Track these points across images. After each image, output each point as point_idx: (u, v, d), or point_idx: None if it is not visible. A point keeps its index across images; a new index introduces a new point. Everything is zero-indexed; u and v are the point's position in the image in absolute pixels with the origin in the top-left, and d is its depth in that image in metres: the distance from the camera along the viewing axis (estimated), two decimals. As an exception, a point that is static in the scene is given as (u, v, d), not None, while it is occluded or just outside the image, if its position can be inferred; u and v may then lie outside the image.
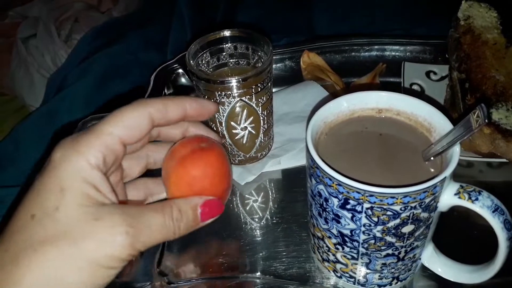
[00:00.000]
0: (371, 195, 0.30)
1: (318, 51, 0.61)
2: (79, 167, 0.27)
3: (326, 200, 0.33)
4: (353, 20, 0.76)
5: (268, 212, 0.47)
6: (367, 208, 0.31)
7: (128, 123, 0.29)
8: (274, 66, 0.63)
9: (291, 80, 0.61)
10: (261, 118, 0.47)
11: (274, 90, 0.60)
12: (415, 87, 0.55)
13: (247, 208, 0.48)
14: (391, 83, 0.58)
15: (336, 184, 0.31)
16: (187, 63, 0.44)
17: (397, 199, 0.29)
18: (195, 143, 0.34)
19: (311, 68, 0.61)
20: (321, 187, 0.33)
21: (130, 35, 0.78)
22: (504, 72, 0.47)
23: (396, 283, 0.38)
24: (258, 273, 0.41)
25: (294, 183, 0.49)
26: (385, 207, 0.30)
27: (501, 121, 0.43)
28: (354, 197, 0.30)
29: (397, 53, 0.61)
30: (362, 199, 0.30)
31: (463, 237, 0.42)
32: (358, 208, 0.31)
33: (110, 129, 0.29)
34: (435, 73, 0.57)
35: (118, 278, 0.38)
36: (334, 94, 0.57)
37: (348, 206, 0.31)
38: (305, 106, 0.55)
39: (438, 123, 0.34)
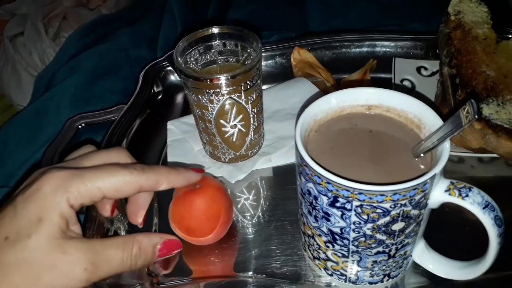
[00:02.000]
0: (360, 193, 0.29)
1: (308, 47, 0.61)
2: (60, 202, 0.31)
3: (316, 198, 0.33)
4: (346, 15, 0.75)
5: (259, 210, 0.47)
6: (356, 206, 0.30)
7: (118, 187, 0.32)
8: (264, 63, 0.63)
9: (282, 77, 0.61)
10: (251, 115, 0.46)
11: (264, 87, 0.59)
12: (406, 83, 0.55)
13: (238, 206, 0.47)
14: (382, 79, 0.58)
15: (325, 182, 0.31)
16: (174, 61, 0.43)
17: (386, 196, 0.29)
18: (193, 184, 0.39)
19: (301, 64, 0.60)
20: (310, 185, 0.32)
21: (120, 32, 0.77)
22: (495, 67, 0.47)
23: (388, 280, 0.38)
24: (250, 272, 0.41)
25: (285, 181, 0.49)
26: (374, 204, 0.30)
27: (492, 116, 0.43)
28: (343, 195, 0.30)
29: (388, 49, 0.61)
30: (351, 197, 0.30)
31: (454, 233, 0.42)
32: (348, 206, 0.31)
33: (100, 184, 0.32)
34: (426, 69, 0.57)
35: (105, 280, 0.38)
36: (324, 91, 0.56)
37: (338, 204, 0.31)
38: (296, 103, 0.55)
39: (428, 120, 0.34)
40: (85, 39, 0.77)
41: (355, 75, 0.58)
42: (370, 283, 0.38)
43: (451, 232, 0.42)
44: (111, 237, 0.35)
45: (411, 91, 0.54)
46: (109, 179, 0.32)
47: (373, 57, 0.60)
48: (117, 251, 0.32)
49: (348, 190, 0.30)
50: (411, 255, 0.37)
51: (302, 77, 0.59)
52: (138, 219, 0.39)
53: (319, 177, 0.31)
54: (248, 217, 0.46)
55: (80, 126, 0.55)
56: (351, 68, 0.59)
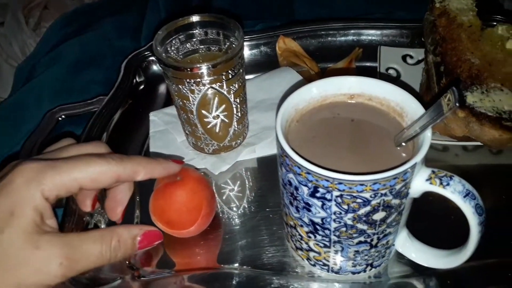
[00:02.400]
0: (340, 183, 0.29)
1: (293, 36, 0.60)
2: (33, 195, 0.30)
3: (296, 188, 0.32)
4: (334, 4, 0.74)
5: (243, 201, 0.46)
6: (336, 196, 0.30)
7: (94, 177, 0.32)
8: (249, 52, 0.62)
9: (267, 66, 0.60)
10: (234, 106, 0.45)
11: (249, 76, 0.59)
12: (391, 71, 0.54)
13: (223, 197, 0.47)
14: (368, 67, 0.57)
15: (305, 173, 0.30)
16: (154, 50, 0.42)
17: (366, 186, 0.29)
18: (174, 176, 0.38)
19: (287, 53, 0.60)
20: (290, 175, 0.32)
21: (103, 21, 0.75)
22: (479, 55, 0.47)
23: (370, 269, 0.38)
24: (234, 264, 0.41)
25: (269, 172, 0.48)
26: (354, 194, 0.29)
27: (476, 104, 0.43)
28: (323, 185, 0.30)
29: (373, 37, 0.60)
30: (331, 187, 0.29)
31: (438, 222, 0.42)
32: (328, 196, 0.30)
33: (76, 175, 0.31)
34: (411, 57, 0.56)
35: (84, 274, 0.38)
36: (309, 80, 0.55)
37: (318, 194, 0.31)
38: (281, 93, 0.54)
39: (410, 108, 0.34)
40: (67, 29, 0.75)
41: (341, 64, 0.57)
42: (353, 273, 0.37)
43: (435, 221, 0.42)
44: (89, 230, 0.34)
45: (396, 79, 0.54)
46: (85, 169, 0.31)
47: (358, 46, 0.59)
48: (95, 245, 0.32)
49: (327, 180, 0.29)
50: (393, 245, 0.36)
51: (287, 66, 0.58)
52: (116, 215, 0.38)
53: (299, 168, 0.30)
54: (233, 208, 0.45)
55: (60, 118, 0.53)
56: (336, 57, 0.59)
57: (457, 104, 0.28)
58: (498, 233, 0.40)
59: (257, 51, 0.62)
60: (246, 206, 0.46)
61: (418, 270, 0.38)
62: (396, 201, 0.31)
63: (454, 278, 0.37)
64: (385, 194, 0.30)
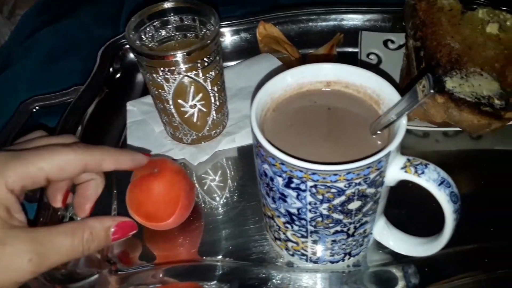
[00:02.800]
0: (314, 173, 0.28)
1: (274, 21, 0.59)
2: None
3: (272, 179, 0.31)
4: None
5: (223, 192, 0.45)
6: (311, 186, 0.29)
7: (61, 165, 0.31)
8: (230, 38, 0.60)
9: (248, 53, 0.59)
10: (211, 94, 0.44)
11: (230, 63, 0.58)
12: (372, 57, 0.54)
13: (203, 188, 0.46)
14: (349, 53, 0.57)
15: (279, 163, 0.29)
16: (127, 38, 0.41)
17: (340, 176, 0.28)
18: (150, 167, 0.38)
19: (267, 39, 0.58)
20: (266, 166, 0.31)
21: (81, 8, 0.73)
22: (459, 39, 0.46)
23: (349, 258, 0.37)
24: (215, 256, 0.40)
25: (249, 161, 0.47)
26: (328, 184, 0.29)
27: (455, 90, 0.42)
28: (297, 175, 0.29)
29: (355, 22, 0.59)
30: (305, 177, 0.29)
31: (417, 209, 0.41)
32: (302, 186, 0.30)
33: (41, 164, 0.30)
34: (392, 42, 0.55)
35: (59, 270, 0.37)
36: (289, 67, 0.54)
37: (293, 185, 0.30)
38: (262, 79, 0.53)
39: (387, 95, 0.33)
40: (43, 17, 0.73)
41: (322, 50, 0.56)
42: (331, 262, 0.37)
43: (414, 208, 0.42)
44: (60, 224, 0.33)
45: (376, 65, 0.53)
46: (51, 158, 0.31)
47: (340, 31, 0.58)
48: (66, 239, 0.31)
49: (301, 171, 0.29)
50: (371, 233, 0.36)
51: (268, 52, 0.57)
52: (84, 211, 0.37)
53: (273, 158, 0.30)
54: (213, 199, 0.45)
55: (34, 110, 0.52)
56: (318, 42, 0.58)
57: (432, 91, 0.27)
58: (476, 219, 0.41)
59: (238, 37, 0.60)
60: (227, 197, 0.45)
61: (397, 258, 0.38)
62: (371, 190, 0.30)
63: (432, 265, 0.38)
64: (360, 184, 0.29)
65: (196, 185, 0.46)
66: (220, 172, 0.47)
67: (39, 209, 0.40)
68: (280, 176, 0.30)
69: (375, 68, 0.52)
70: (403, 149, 0.46)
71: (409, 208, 0.41)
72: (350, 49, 0.57)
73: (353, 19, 0.59)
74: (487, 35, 0.46)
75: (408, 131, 0.43)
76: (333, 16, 0.59)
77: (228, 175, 0.47)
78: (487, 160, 0.46)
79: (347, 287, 0.37)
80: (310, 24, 0.59)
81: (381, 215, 0.36)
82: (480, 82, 0.43)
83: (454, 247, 0.38)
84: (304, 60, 0.56)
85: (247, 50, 0.59)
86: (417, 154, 0.47)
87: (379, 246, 0.38)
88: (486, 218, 0.41)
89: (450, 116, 0.42)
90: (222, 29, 0.60)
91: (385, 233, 0.36)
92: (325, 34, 0.58)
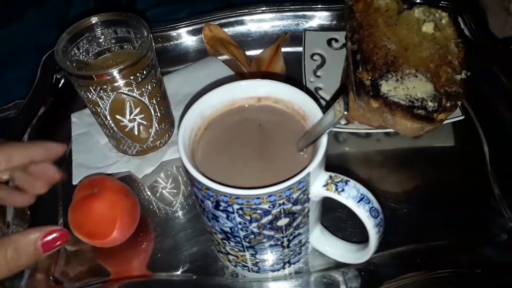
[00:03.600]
0: (237, 197, 0.29)
1: (219, 23, 0.58)
2: None
3: (202, 201, 0.32)
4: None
5: (171, 204, 0.46)
6: (237, 209, 0.30)
7: None
8: (175, 42, 0.60)
9: (196, 55, 0.59)
10: (151, 107, 0.44)
11: (178, 67, 0.57)
12: (316, 57, 0.54)
13: (151, 200, 0.46)
14: (294, 53, 0.56)
15: (205, 188, 0.30)
16: (55, 56, 0.40)
17: (262, 199, 0.29)
18: (91, 187, 0.39)
19: (213, 42, 0.58)
20: (195, 189, 0.32)
21: (26, 13, 0.70)
22: (396, 40, 0.47)
23: (289, 266, 0.39)
24: (162, 271, 0.41)
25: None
26: (253, 207, 0.29)
27: (390, 93, 0.43)
28: (223, 199, 0.30)
29: (300, 21, 0.59)
30: (230, 201, 0.29)
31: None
32: (230, 209, 0.30)
33: None
34: (336, 41, 0.56)
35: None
36: (236, 71, 0.54)
37: (221, 208, 0.31)
38: (207, 86, 0.53)
39: (311, 111, 0.33)
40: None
41: (268, 51, 0.56)
42: (273, 271, 0.38)
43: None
44: None
45: (320, 66, 0.53)
46: None
47: (285, 31, 0.58)
48: None
49: (226, 196, 0.29)
50: (308, 241, 0.37)
51: (214, 55, 0.57)
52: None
53: (198, 183, 0.30)
54: (160, 212, 0.45)
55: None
56: (264, 43, 0.58)
57: (345, 112, 0.28)
58: (414, 218, 0.42)
59: (183, 40, 0.60)
60: (174, 209, 0.45)
61: (338, 263, 0.39)
62: (297, 207, 0.31)
63: (370, 269, 0.39)
64: (283, 203, 0.30)
65: (147, 195, 0.46)
66: (168, 183, 0.48)
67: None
68: (208, 199, 0.31)
69: (323, 67, 0.52)
70: (347, 148, 0.47)
71: (348, 214, 0.42)
72: (296, 49, 0.57)
73: (299, 17, 0.59)
74: (423, 34, 0.47)
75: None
76: (279, 15, 0.59)
77: (176, 186, 0.47)
78: (427, 158, 0.48)
79: (290, 293, 0.38)
80: (256, 24, 0.59)
81: (316, 224, 0.37)
82: (414, 84, 0.44)
83: (390, 249, 0.40)
84: (250, 62, 0.56)
85: (194, 53, 0.59)
86: (359, 154, 0.49)
87: (321, 251, 0.40)
88: (424, 217, 0.43)
89: (385, 120, 0.43)
90: (168, 32, 0.59)
91: (321, 240, 0.38)
92: (271, 34, 0.58)
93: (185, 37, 0.60)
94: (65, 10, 0.71)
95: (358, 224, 0.31)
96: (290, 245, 0.35)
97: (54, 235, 0.33)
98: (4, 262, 0.30)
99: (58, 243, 0.33)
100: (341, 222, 0.42)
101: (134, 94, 0.41)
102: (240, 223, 0.31)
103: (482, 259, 0.40)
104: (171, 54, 0.59)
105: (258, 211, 0.30)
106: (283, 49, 0.57)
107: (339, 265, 0.39)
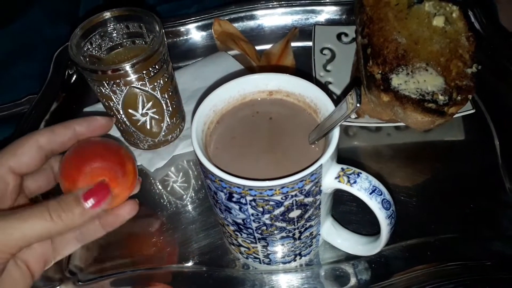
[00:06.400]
0: (251, 189, 0.29)
1: (229, 18, 0.58)
2: None
3: (215, 193, 0.32)
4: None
5: (183, 197, 0.46)
6: (250, 200, 0.30)
7: (18, 153, 0.31)
8: (185, 37, 0.60)
9: (206, 51, 0.59)
10: (163, 102, 0.44)
11: (188, 62, 0.57)
12: (326, 52, 0.54)
13: (164, 192, 0.47)
14: (304, 47, 0.57)
15: (218, 180, 0.30)
16: (69, 52, 0.40)
17: (275, 190, 0.29)
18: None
19: (223, 37, 0.58)
20: (208, 181, 0.32)
21: (33, 8, 0.71)
22: (406, 34, 0.47)
23: (300, 258, 0.39)
24: (175, 263, 0.41)
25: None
26: (266, 198, 0.30)
27: (400, 87, 0.43)
28: (236, 191, 0.30)
29: (310, 15, 0.59)
30: (243, 193, 0.30)
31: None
32: (243, 200, 0.31)
33: (1, 161, 0.31)
34: (346, 35, 0.56)
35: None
36: (247, 66, 0.55)
37: (234, 199, 0.31)
38: (218, 80, 0.53)
39: (323, 105, 0.34)
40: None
41: (277, 46, 0.57)
42: (283, 263, 0.39)
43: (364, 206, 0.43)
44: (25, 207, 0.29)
45: (330, 61, 0.53)
46: (7, 150, 0.31)
47: (295, 26, 0.58)
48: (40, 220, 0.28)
49: (239, 187, 0.30)
50: (319, 234, 0.38)
51: (224, 50, 0.57)
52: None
53: (212, 175, 0.30)
54: (173, 204, 0.46)
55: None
56: (274, 38, 0.58)
57: (358, 105, 0.28)
58: (424, 211, 0.43)
59: (193, 35, 0.60)
60: (184, 202, 0.46)
61: (348, 254, 0.39)
62: (309, 199, 0.32)
63: (380, 261, 0.39)
64: (296, 195, 0.30)
65: (158, 189, 0.47)
66: (179, 176, 0.48)
67: None
68: (222, 191, 0.31)
69: (333, 62, 0.53)
70: (357, 142, 0.47)
71: (359, 207, 0.43)
72: (305, 43, 0.57)
73: (308, 12, 0.59)
74: (433, 28, 0.47)
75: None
76: (288, 10, 0.59)
77: (188, 179, 0.48)
78: (437, 152, 0.48)
79: (301, 285, 0.39)
80: (266, 19, 0.59)
81: (327, 216, 0.38)
82: (425, 77, 0.44)
83: (400, 242, 0.40)
84: (260, 57, 0.56)
85: (205, 48, 0.59)
86: (370, 148, 0.49)
87: (330, 243, 0.40)
88: (434, 210, 0.43)
89: (396, 114, 0.43)
90: (178, 27, 0.60)
91: (331, 232, 0.38)
92: (281, 29, 0.58)
93: (195, 33, 0.60)
94: (73, 6, 0.72)
95: (367, 217, 0.31)
96: (302, 237, 0.36)
97: (96, 189, 0.30)
98: (49, 220, 0.28)
99: (104, 197, 0.30)
100: (351, 215, 0.42)
101: (146, 89, 0.42)
102: (252, 215, 0.32)
103: (492, 252, 0.40)
104: (181, 49, 0.59)
105: (271, 203, 0.30)
106: (293, 44, 0.57)
107: (349, 258, 0.40)
